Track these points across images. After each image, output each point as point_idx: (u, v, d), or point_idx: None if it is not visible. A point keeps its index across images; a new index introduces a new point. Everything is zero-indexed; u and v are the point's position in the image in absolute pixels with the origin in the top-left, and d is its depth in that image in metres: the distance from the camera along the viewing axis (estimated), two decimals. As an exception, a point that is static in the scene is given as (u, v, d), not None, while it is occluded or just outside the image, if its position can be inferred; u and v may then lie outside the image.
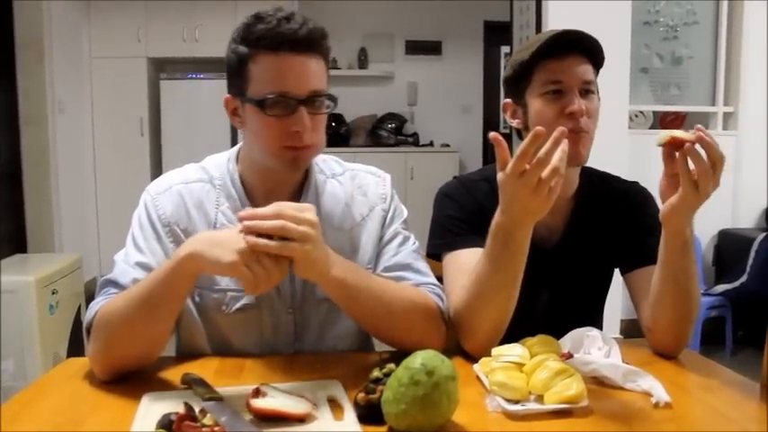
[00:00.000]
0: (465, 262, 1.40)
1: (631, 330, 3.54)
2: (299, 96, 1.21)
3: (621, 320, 3.71)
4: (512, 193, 1.14)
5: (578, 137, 1.37)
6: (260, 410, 0.97)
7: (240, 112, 1.28)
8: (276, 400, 0.99)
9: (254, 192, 1.34)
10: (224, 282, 1.31)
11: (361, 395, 1.00)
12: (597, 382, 1.15)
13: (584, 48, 1.41)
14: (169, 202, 1.33)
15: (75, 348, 3.34)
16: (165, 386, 1.15)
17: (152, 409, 1.00)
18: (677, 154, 1.16)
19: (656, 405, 1.07)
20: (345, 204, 1.39)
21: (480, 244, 1.42)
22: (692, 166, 1.15)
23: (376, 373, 1.02)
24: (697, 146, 1.13)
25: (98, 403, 1.09)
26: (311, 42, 1.21)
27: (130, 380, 1.16)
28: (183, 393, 1.06)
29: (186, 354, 1.36)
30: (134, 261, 1.27)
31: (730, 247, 4.36)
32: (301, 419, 0.97)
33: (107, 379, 1.16)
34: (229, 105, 1.30)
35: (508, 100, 1.52)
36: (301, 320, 1.36)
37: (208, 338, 1.35)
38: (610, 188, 1.57)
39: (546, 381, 1.06)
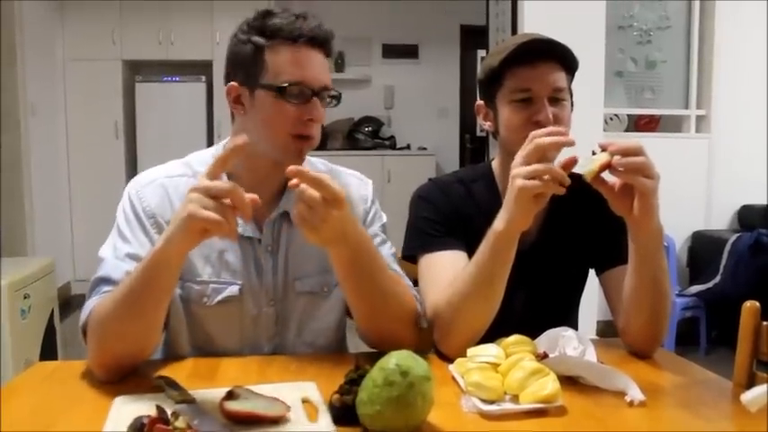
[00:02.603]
0: (441, 264, 1.40)
1: (607, 332, 3.57)
2: (314, 87, 1.28)
3: (598, 322, 3.73)
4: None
5: None
6: (233, 413, 0.96)
7: (244, 100, 1.31)
8: (250, 402, 0.98)
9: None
10: (206, 274, 1.33)
11: (336, 396, 1.00)
12: (572, 382, 1.16)
13: (554, 54, 1.41)
14: (153, 195, 1.33)
15: (48, 354, 3.28)
16: (137, 389, 1.12)
17: (123, 413, 0.98)
18: (604, 175, 1.22)
19: (631, 404, 1.07)
20: None
21: (456, 246, 1.43)
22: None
23: (351, 375, 1.02)
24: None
25: (69, 406, 1.08)
26: (324, 41, 1.30)
27: (102, 383, 1.15)
28: (156, 396, 1.04)
29: (164, 356, 1.35)
30: (124, 253, 1.27)
31: (704, 248, 4.41)
32: (275, 421, 0.96)
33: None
34: (232, 93, 1.32)
35: (481, 102, 1.53)
36: (282, 314, 1.37)
37: (189, 335, 1.35)
38: (584, 189, 1.57)
39: (521, 380, 1.06)
